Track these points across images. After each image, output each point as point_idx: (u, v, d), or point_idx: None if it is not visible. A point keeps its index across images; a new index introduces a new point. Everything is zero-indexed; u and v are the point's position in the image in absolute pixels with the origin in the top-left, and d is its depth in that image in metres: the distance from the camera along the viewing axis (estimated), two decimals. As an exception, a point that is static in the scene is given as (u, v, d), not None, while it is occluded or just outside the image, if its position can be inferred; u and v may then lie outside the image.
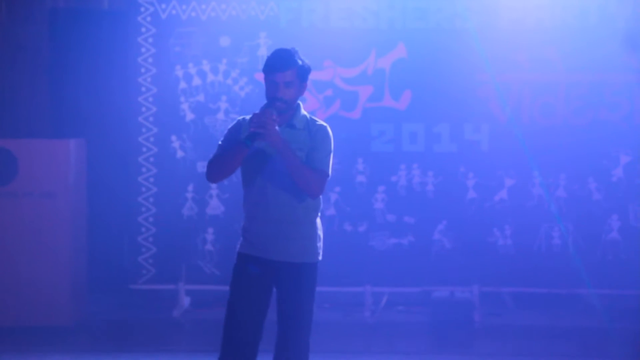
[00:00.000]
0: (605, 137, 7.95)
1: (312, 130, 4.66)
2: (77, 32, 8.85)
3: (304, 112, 4.71)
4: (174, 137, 8.20)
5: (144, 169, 8.19)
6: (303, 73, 4.62)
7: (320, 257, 4.74)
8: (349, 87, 8.15)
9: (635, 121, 7.96)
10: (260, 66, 7.83)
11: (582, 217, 7.99)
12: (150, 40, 8.21)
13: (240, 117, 4.75)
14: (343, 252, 7.99)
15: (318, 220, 4.75)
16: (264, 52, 8.03)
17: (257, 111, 4.56)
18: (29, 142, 7.96)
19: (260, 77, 8.04)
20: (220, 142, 4.70)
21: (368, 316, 7.97)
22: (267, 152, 4.61)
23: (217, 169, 4.62)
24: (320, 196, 4.71)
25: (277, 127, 4.48)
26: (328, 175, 4.64)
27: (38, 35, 8.88)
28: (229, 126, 4.75)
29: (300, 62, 4.60)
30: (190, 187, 8.18)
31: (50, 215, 7.76)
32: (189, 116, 8.20)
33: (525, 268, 7.96)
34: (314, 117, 4.74)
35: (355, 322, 7.96)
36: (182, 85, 8.21)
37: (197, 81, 8.20)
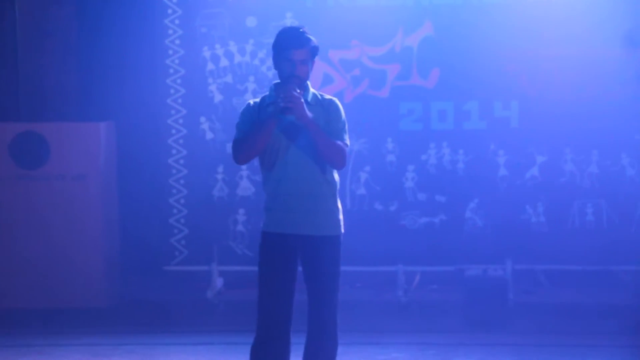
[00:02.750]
0: (638, 112, 7.86)
1: (324, 105, 4.73)
2: (105, 15, 8.86)
3: (312, 89, 4.78)
4: (202, 119, 8.20)
5: (173, 151, 8.20)
6: (314, 51, 4.70)
7: (342, 230, 4.79)
8: (376, 65, 8.11)
9: (669, 95, 7.88)
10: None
11: (615, 193, 7.92)
12: (176, 21, 8.20)
13: (251, 101, 4.80)
14: (374, 232, 7.97)
15: (337, 194, 4.80)
16: (290, 32, 7.99)
17: (267, 90, 4.70)
18: (60, 125, 8.02)
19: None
20: (237, 127, 4.73)
21: (401, 295, 7.95)
22: (285, 128, 4.65)
23: (246, 149, 4.65)
24: (337, 175, 4.77)
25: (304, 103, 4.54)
26: (347, 146, 4.71)
27: (66, 18, 8.90)
28: (241, 110, 4.78)
29: (312, 41, 4.68)
30: (220, 169, 8.18)
31: (82, 198, 7.82)
32: (217, 97, 8.19)
33: (558, 245, 7.91)
34: (322, 93, 4.81)
35: (387, 302, 7.96)
36: (210, 66, 8.20)
37: (224, 62, 8.19)
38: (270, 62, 8.05)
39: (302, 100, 4.54)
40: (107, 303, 7.81)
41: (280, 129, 4.64)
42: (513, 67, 7.98)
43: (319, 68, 8.01)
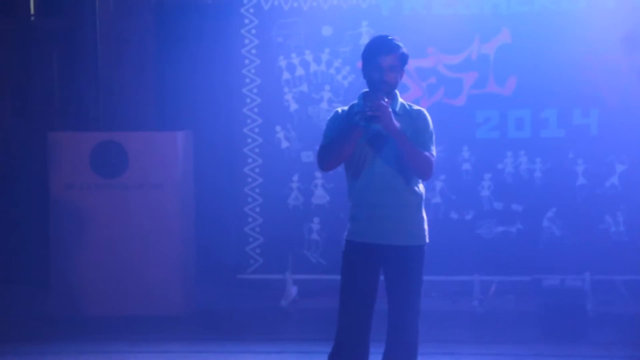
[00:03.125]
0: None
1: (413, 115, 4.71)
2: (182, 25, 8.97)
3: (400, 99, 4.76)
4: (278, 128, 8.24)
5: (249, 160, 8.25)
6: (404, 59, 4.70)
7: (427, 240, 4.77)
8: (452, 74, 8.06)
9: None
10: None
11: (697, 202, 7.74)
12: (253, 31, 8.26)
13: (339, 109, 4.80)
14: (450, 241, 7.90)
15: (422, 204, 4.78)
16: (366, 41, 7.90)
17: (356, 99, 4.71)
18: (138, 135, 8.12)
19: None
20: (325, 134, 4.74)
21: (476, 305, 7.88)
22: (374, 137, 4.65)
23: (332, 155, 4.65)
24: (422, 185, 4.77)
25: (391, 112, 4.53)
26: (434, 156, 4.69)
27: (144, 28, 9.02)
28: (329, 118, 4.80)
29: (402, 48, 4.69)
30: (295, 177, 8.21)
31: (159, 206, 7.90)
32: (293, 106, 8.23)
33: (638, 255, 7.75)
34: (410, 103, 4.80)
35: (463, 311, 7.89)
36: (286, 75, 8.24)
37: (300, 71, 8.22)
38: (345, 71, 8.11)
39: (390, 109, 4.53)
40: (183, 311, 7.87)
41: (367, 138, 4.65)
42: (592, 74, 7.85)
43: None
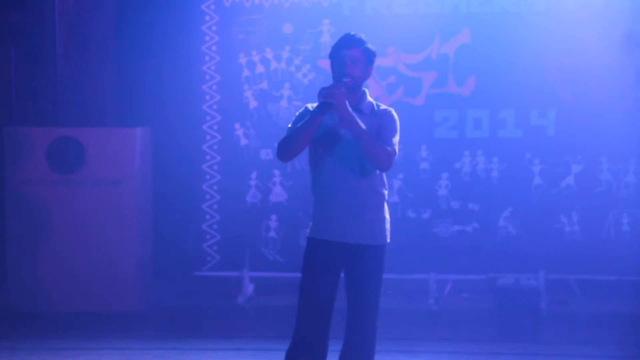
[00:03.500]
0: (676, 121, 7.78)
1: (378, 114, 4.72)
2: (142, 21, 8.93)
3: (370, 98, 4.78)
4: (237, 125, 8.24)
5: (208, 157, 8.24)
6: (369, 55, 4.72)
7: (388, 240, 4.80)
8: (412, 73, 8.11)
9: None
10: (323, 53, 7.88)
11: (652, 203, 7.85)
12: (214, 28, 8.25)
13: (309, 105, 4.80)
14: (407, 239, 7.94)
15: (386, 204, 4.80)
16: (327, 39, 8.01)
17: (315, 96, 4.66)
18: (96, 130, 8.08)
19: (323, 64, 8.07)
20: (289, 126, 4.76)
21: (432, 303, 7.93)
22: (336, 134, 4.67)
23: (288, 145, 4.66)
24: (386, 182, 4.77)
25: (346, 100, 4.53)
26: (395, 153, 4.68)
27: (104, 24, 8.99)
28: (297, 112, 4.80)
29: (367, 44, 4.72)
30: (253, 175, 8.21)
31: (117, 202, 7.87)
32: (253, 104, 8.23)
33: (592, 255, 7.85)
34: (379, 103, 4.81)
35: (419, 310, 7.93)
36: (246, 72, 8.24)
37: (260, 69, 8.23)
38: (305, 69, 8.13)
39: (345, 98, 4.52)
40: (139, 307, 7.86)
41: (321, 135, 4.66)
42: (550, 75, 7.93)
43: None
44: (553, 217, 7.93)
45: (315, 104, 4.71)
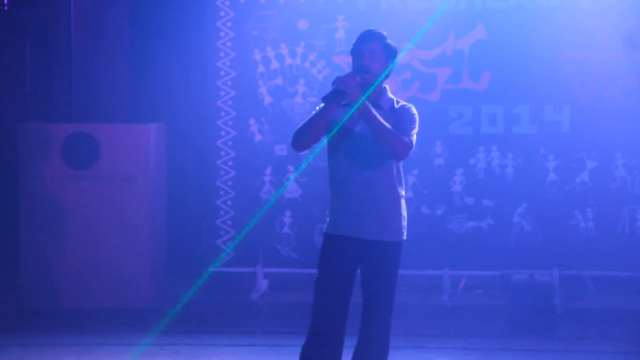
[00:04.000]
0: (691, 117, 7.75)
1: (397, 110, 4.73)
2: (157, 16, 8.94)
3: (390, 95, 4.78)
4: (252, 121, 8.24)
5: (222, 153, 8.26)
6: (389, 50, 4.72)
7: (404, 237, 4.79)
8: (427, 69, 8.09)
9: None
10: (338, 49, 7.88)
11: (666, 198, 7.82)
12: (228, 24, 8.26)
13: None
14: (421, 235, 7.92)
15: (402, 201, 4.79)
16: (341, 35, 8.01)
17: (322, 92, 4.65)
18: (110, 126, 8.08)
19: (338, 60, 8.07)
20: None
21: (446, 299, 7.92)
22: (352, 129, 4.67)
23: (301, 134, 4.66)
24: (403, 179, 4.76)
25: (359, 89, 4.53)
26: (412, 143, 4.67)
27: (118, 19, 8.99)
28: (317, 107, 4.77)
29: (387, 39, 4.73)
30: (268, 171, 8.22)
31: (131, 198, 7.87)
32: (267, 100, 8.23)
33: (607, 251, 7.83)
34: (400, 100, 4.81)
35: (433, 305, 7.93)
36: (261, 68, 8.25)
37: (275, 65, 8.23)
38: (320, 65, 8.13)
39: (359, 87, 4.52)
40: (153, 304, 7.87)
41: (339, 130, 4.66)
42: (565, 71, 7.91)
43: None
44: (567, 213, 7.91)
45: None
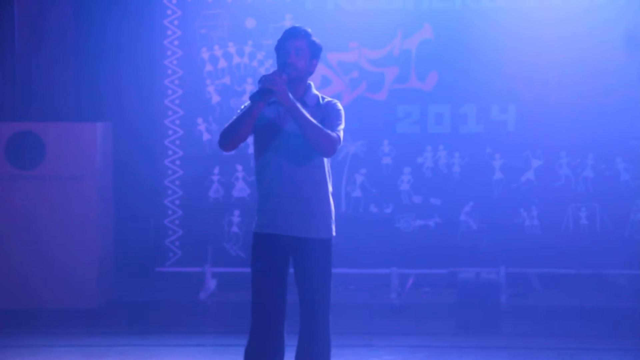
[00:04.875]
0: (633, 117, 7.88)
1: (323, 106, 4.73)
2: (103, 14, 8.87)
3: (315, 91, 4.79)
4: (200, 120, 8.21)
5: (170, 152, 8.22)
6: (314, 48, 4.72)
7: (334, 233, 4.80)
8: (374, 68, 8.12)
9: (664, 100, 7.89)
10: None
11: (609, 197, 7.94)
12: (175, 22, 8.22)
13: None
14: (369, 234, 8.00)
15: (330, 197, 4.81)
16: (289, 34, 8.00)
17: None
18: (57, 125, 8.01)
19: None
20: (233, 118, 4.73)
21: (394, 298, 7.97)
22: (280, 126, 4.67)
23: (229, 133, 4.64)
24: (330, 174, 4.76)
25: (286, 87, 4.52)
26: (340, 139, 4.67)
27: (64, 18, 8.91)
28: (242, 106, 4.75)
29: (312, 36, 4.72)
30: (216, 170, 8.20)
31: (78, 198, 7.82)
32: (215, 98, 8.21)
33: (552, 249, 7.93)
34: (324, 96, 4.81)
35: (381, 304, 7.97)
36: (208, 67, 8.22)
37: (222, 63, 8.21)
38: (268, 63, 8.12)
39: (284, 84, 4.49)
40: (100, 304, 7.82)
41: (265, 126, 4.65)
42: (511, 71, 7.99)
43: (317, 70, 7.98)
44: (513, 211, 8.01)
45: None
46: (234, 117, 4.67)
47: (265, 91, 4.50)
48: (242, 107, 4.71)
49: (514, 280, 8.09)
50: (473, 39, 7.97)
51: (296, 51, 4.64)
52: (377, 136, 8.11)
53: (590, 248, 7.89)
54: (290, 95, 4.51)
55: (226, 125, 4.66)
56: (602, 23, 7.86)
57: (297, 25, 4.79)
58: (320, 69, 7.96)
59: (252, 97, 4.55)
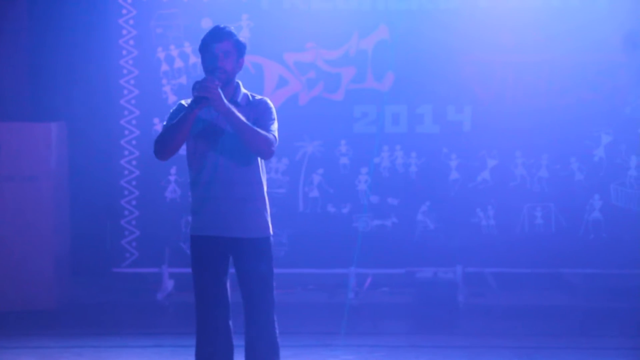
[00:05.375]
0: (587, 117, 7.99)
1: (254, 104, 4.74)
2: (57, 13, 8.78)
3: (244, 90, 4.79)
4: (156, 120, 8.17)
5: (126, 152, 8.17)
6: (240, 47, 4.72)
7: (271, 232, 4.81)
8: (331, 68, 8.14)
9: (616, 101, 7.99)
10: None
11: (564, 197, 8.04)
12: (131, 22, 8.17)
13: (183, 101, 4.74)
14: (327, 234, 8.02)
15: (266, 196, 4.82)
16: (246, 34, 7.99)
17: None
18: (10, 125, 7.91)
19: (246, 60, 8.04)
20: (164, 124, 4.71)
21: (352, 297, 7.98)
22: (216, 128, 4.67)
23: (165, 142, 4.61)
24: (265, 172, 4.77)
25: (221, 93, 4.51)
26: (276, 139, 4.69)
27: (17, 17, 8.81)
28: (171, 110, 4.76)
29: (237, 36, 4.72)
30: (173, 170, 8.16)
31: (32, 199, 7.74)
32: (172, 98, 8.18)
33: (508, 248, 8.01)
34: (254, 94, 4.82)
35: (339, 304, 7.97)
36: (164, 67, 8.18)
37: (179, 63, 8.18)
38: (225, 63, 8.06)
39: (219, 90, 4.48)
40: (56, 305, 7.75)
41: (200, 130, 4.64)
42: (466, 72, 8.05)
43: (274, 70, 8.06)
44: (470, 211, 8.07)
45: (190, 100, 4.64)
46: (166, 124, 4.64)
47: (200, 99, 4.49)
48: (171, 111, 4.70)
49: (471, 279, 8.15)
50: (429, 39, 8.02)
51: (224, 54, 4.63)
52: (335, 136, 8.13)
53: (546, 247, 7.99)
54: (226, 100, 4.51)
55: (160, 133, 4.64)
56: (557, 24, 7.94)
57: (220, 25, 4.75)
58: (277, 69, 7.99)
59: (189, 107, 4.54)
